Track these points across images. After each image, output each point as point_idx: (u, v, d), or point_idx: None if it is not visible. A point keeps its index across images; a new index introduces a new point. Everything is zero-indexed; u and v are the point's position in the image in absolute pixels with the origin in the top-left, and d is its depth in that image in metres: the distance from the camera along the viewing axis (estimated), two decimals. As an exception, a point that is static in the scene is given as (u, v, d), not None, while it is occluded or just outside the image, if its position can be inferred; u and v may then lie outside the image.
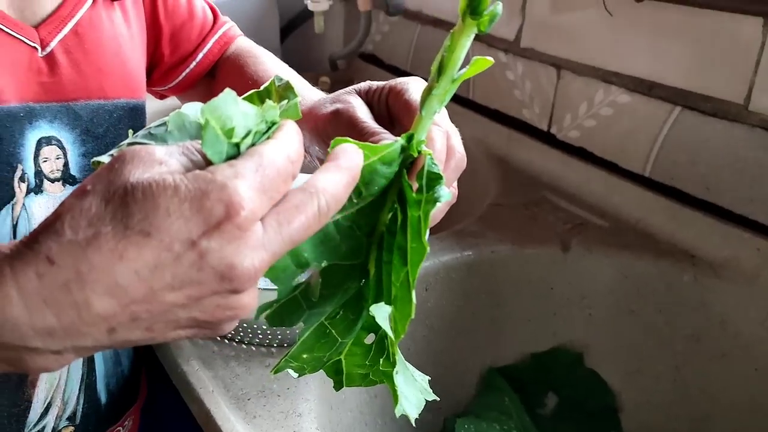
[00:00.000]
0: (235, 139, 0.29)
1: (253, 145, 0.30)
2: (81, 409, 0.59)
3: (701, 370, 0.79)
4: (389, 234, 0.35)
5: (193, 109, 0.33)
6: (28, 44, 0.50)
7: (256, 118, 0.30)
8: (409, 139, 0.35)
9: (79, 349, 0.29)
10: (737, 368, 0.76)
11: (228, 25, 0.71)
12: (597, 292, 0.83)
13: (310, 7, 1.06)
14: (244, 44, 0.71)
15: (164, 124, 0.34)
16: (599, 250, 0.84)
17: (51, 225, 0.27)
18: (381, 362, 0.38)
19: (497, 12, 0.32)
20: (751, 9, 0.72)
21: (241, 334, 0.60)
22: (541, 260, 0.83)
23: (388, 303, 0.34)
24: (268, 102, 0.31)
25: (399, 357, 0.37)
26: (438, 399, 0.38)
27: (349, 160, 0.31)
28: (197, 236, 0.27)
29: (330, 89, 1.28)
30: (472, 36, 0.33)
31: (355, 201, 0.34)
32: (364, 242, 0.35)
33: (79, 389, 0.59)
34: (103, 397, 0.62)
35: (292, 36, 1.42)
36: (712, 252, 0.80)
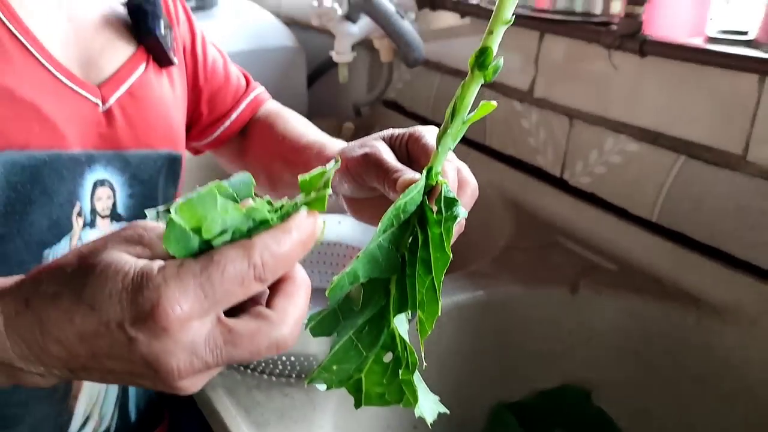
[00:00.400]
0: (206, 236, 0.31)
1: (232, 241, 0.31)
2: (114, 425, 0.65)
3: (706, 411, 0.81)
4: (410, 254, 0.40)
5: (209, 193, 0.36)
6: (91, 100, 0.58)
7: (238, 217, 0.32)
8: (429, 170, 0.41)
9: (56, 376, 0.34)
10: (741, 410, 0.79)
11: (259, 90, 0.79)
12: (604, 332, 0.86)
13: (335, 58, 1.13)
14: (273, 106, 0.79)
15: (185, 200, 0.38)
16: (607, 292, 0.87)
17: (41, 272, 0.33)
18: (400, 372, 0.42)
19: (500, 65, 0.38)
20: (747, 66, 0.77)
21: (263, 365, 0.65)
22: (550, 301, 0.87)
23: (413, 309, 0.40)
24: (258, 201, 0.33)
25: (418, 378, 0.42)
26: (449, 412, 0.42)
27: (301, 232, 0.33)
28: (128, 324, 0.30)
29: (354, 134, 1.35)
30: (479, 85, 0.39)
31: (394, 224, 0.40)
32: (397, 258, 0.40)
33: (114, 406, 0.65)
34: (133, 416, 0.67)
35: (318, 83, 1.50)
36: (716, 296, 0.83)
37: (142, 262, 0.31)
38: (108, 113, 0.60)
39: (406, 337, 0.40)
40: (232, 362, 0.32)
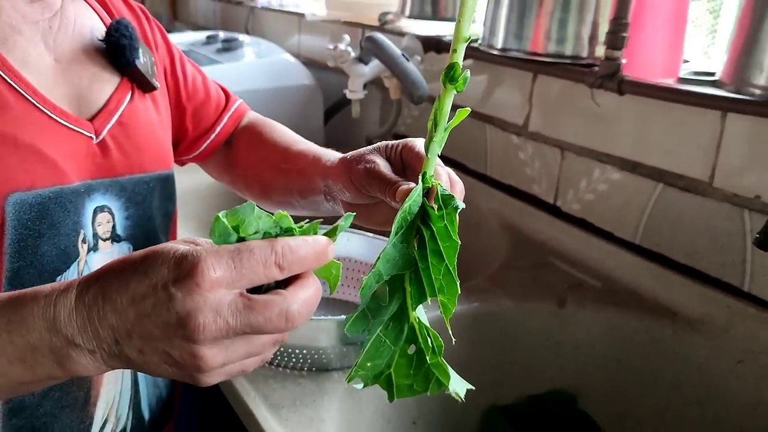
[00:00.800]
0: (242, 234, 0.41)
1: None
2: (130, 425, 0.71)
3: (680, 414, 0.89)
4: (420, 249, 0.47)
5: (238, 215, 0.44)
6: (85, 135, 0.63)
7: (268, 224, 0.42)
8: (423, 175, 0.49)
9: (104, 351, 0.41)
10: (711, 412, 0.86)
11: (238, 102, 0.86)
12: (589, 342, 0.95)
13: (349, 96, 1.24)
14: (254, 116, 0.86)
15: (217, 224, 0.45)
16: (592, 306, 0.96)
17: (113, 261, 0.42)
18: (428, 357, 0.48)
19: (467, 77, 0.46)
20: (711, 104, 0.86)
21: (278, 359, 0.74)
22: (540, 314, 0.96)
23: (432, 296, 0.46)
24: (281, 214, 0.43)
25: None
26: (474, 388, 0.49)
27: (320, 248, 0.43)
28: (171, 284, 0.38)
29: (366, 165, 1.45)
30: (452, 96, 0.47)
31: (404, 224, 0.47)
32: (411, 255, 0.48)
33: (129, 407, 0.70)
34: (146, 415, 0.73)
35: (333, 118, 1.62)
36: (690, 309, 0.91)
37: (189, 246, 0.41)
38: (102, 144, 0.64)
39: (428, 324, 0.47)
40: (248, 328, 0.39)
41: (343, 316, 0.57)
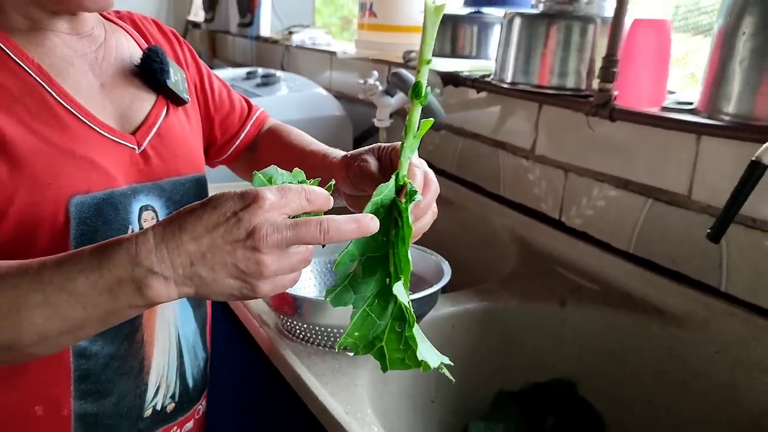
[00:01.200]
0: (273, 184, 0.56)
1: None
2: (178, 391, 0.82)
3: (666, 398, 1.01)
4: (395, 237, 0.58)
5: (269, 172, 0.59)
6: (129, 146, 0.74)
7: (289, 177, 0.58)
8: (396, 174, 0.60)
9: (178, 278, 0.52)
10: (693, 394, 0.99)
11: (260, 111, 0.98)
12: (587, 336, 1.08)
13: (377, 124, 1.41)
14: (274, 122, 0.98)
15: (257, 178, 0.60)
16: (590, 306, 1.09)
17: (171, 215, 0.54)
18: (405, 329, 0.58)
19: (429, 92, 0.58)
20: (687, 128, 1.01)
21: (318, 338, 0.89)
22: (543, 312, 1.09)
23: (400, 274, 0.57)
24: (297, 170, 0.58)
25: (419, 332, 0.59)
26: (453, 364, 0.57)
27: (362, 220, 0.55)
28: (239, 209, 0.51)
29: (391, 187, 1.61)
30: (420, 109, 0.58)
31: (378, 215, 0.58)
32: (382, 240, 0.59)
33: (176, 376, 0.83)
34: (190, 383, 0.86)
35: (362, 144, 1.79)
36: (674, 308, 1.04)
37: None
38: (143, 153, 0.75)
39: (405, 301, 0.56)
40: (296, 239, 0.52)
41: None
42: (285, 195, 0.53)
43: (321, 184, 0.58)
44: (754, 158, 0.76)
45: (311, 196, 0.55)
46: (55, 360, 0.71)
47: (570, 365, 1.08)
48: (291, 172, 0.59)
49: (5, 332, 0.53)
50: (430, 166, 1.72)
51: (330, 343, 0.89)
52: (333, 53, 2.02)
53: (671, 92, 1.22)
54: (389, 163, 0.68)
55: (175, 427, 0.84)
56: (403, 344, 0.59)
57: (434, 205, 0.65)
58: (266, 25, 2.55)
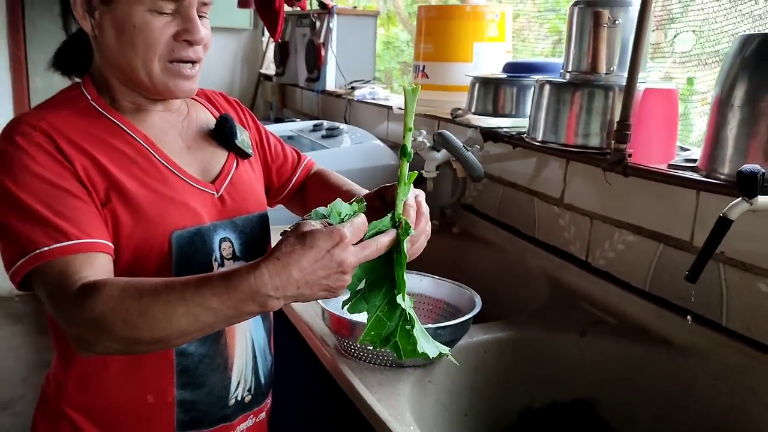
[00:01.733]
0: (342, 217, 0.77)
1: (348, 218, 0.77)
2: (253, 386, 1.04)
3: (673, 418, 1.16)
4: (395, 264, 0.81)
5: (332, 206, 0.80)
6: (210, 193, 0.97)
7: (350, 209, 0.78)
8: (392, 214, 0.82)
9: (286, 297, 0.74)
10: (696, 416, 1.13)
11: (307, 159, 1.21)
12: (604, 364, 1.23)
13: (424, 175, 1.61)
14: (319, 168, 1.22)
15: (312, 213, 0.81)
16: (607, 337, 1.25)
17: (276, 247, 0.75)
18: (407, 327, 0.80)
19: (411, 153, 0.80)
20: (688, 184, 1.17)
21: (370, 356, 1.08)
22: (565, 340, 1.26)
23: (397, 289, 0.80)
24: (355, 205, 0.79)
25: (420, 331, 0.81)
26: (449, 350, 0.82)
27: (389, 236, 0.78)
28: (330, 248, 0.72)
29: (438, 229, 1.80)
30: (408, 164, 0.80)
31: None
32: (384, 263, 0.80)
33: (251, 373, 1.05)
34: (262, 380, 1.07)
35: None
36: (682, 340, 1.19)
37: (322, 227, 0.75)
38: (221, 198, 0.98)
39: (406, 308, 0.80)
40: (364, 258, 0.75)
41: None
42: (354, 230, 0.76)
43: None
44: (721, 215, 0.92)
45: (364, 226, 0.78)
46: (163, 359, 0.94)
47: (588, 388, 1.24)
48: (351, 204, 0.81)
49: (160, 331, 0.76)
50: (474, 210, 1.95)
51: (378, 360, 1.09)
52: (389, 107, 2.25)
53: (686, 149, 1.38)
54: (390, 199, 0.91)
55: (252, 416, 1.06)
56: (411, 340, 0.81)
57: (428, 229, 0.88)
58: (331, 80, 2.81)
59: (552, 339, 1.26)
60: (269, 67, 3.58)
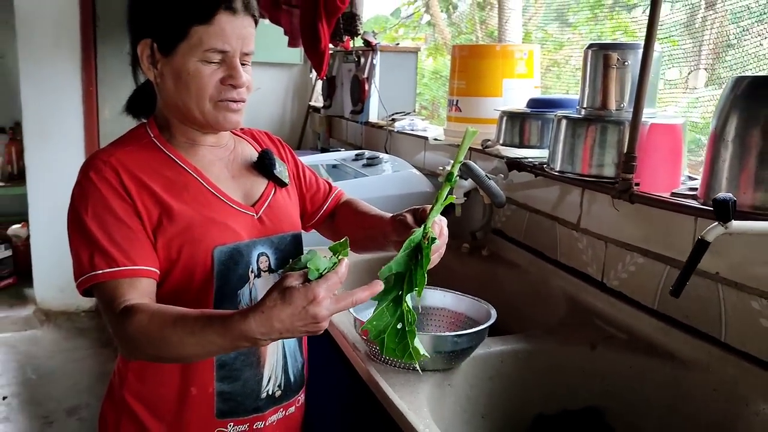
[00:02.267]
0: (320, 271, 0.90)
1: (327, 271, 0.90)
2: (283, 382, 1.21)
3: (675, 425, 1.26)
4: (414, 265, 0.96)
5: (311, 255, 0.94)
6: (250, 214, 1.15)
7: (328, 264, 0.91)
8: (424, 226, 0.99)
9: (272, 339, 0.91)
10: (696, 423, 1.23)
11: (337, 190, 1.39)
12: (612, 374, 1.35)
13: (454, 201, 1.76)
14: (348, 198, 1.39)
15: (299, 259, 0.95)
16: (616, 350, 1.36)
17: (262, 300, 0.91)
18: (407, 325, 0.96)
19: (456, 179, 0.98)
20: (686, 211, 1.29)
21: (395, 361, 1.22)
22: (577, 352, 1.37)
23: (414, 288, 0.95)
24: (333, 258, 0.92)
25: (413, 329, 0.96)
26: (429, 356, 0.98)
27: (370, 290, 0.93)
28: (305, 305, 0.87)
29: (469, 252, 1.94)
30: (449, 188, 0.97)
31: (408, 248, 0.97)
32: (408, 264, 0.97)
33: (281, 371, 1.21)
34: (291, 378, 1.23)
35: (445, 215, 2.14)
36: (683, 354, 1.30)
37: (300, 284, 0.90)
38: (260, 219, 1.16)
39: (410, 305, 0.96)
40: (336, 310, 0.89)
41: (435, 333, 1.10)
42: (328, 284, 0.89)
43: (352, 240, 0.97)
44: (700, 237, 1.04)
45: (342, 276, 0.91)
46: None
47: (598, 397, 1.35)
48: (330, 258, 0.95)
49: (176, 353, 0.96)
50: (503, 235, 2.09)
51: (402, 364, 1.23)
52: (426, 138, 2.41)
53: (693, 178, 1.49)
54: (420, 218, 1.10)
55: (282, 409, 1.22)
56: (398, 339, 0.97)
57: (442, 249, 1.06)
58: (374, 112, 3.00)
59: (564, 351, 1.38)
60: (318, 100, 3.81)
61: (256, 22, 1.12)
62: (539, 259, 1.80)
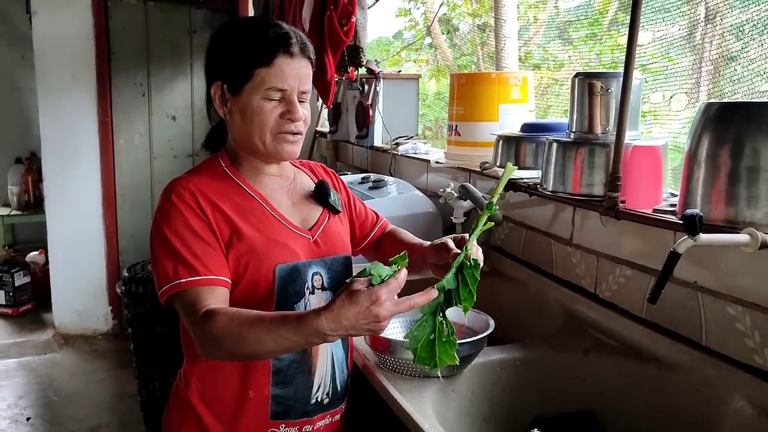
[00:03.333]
0: (382, 277, 1.03)
1: (388, 278, 1.04)
2: (330, 390, 1.33)
3: (663, 425, 1.36)
4: (457, 282, 1.09)
5: (374, 265, 1.08)
6: (307, 237, 1.28)
7: (389, 271, 1.05)
8: (465, 248, 1.11)
9: (340, 335, 1.04)
10: (681, 422, 1.33)
11: (384, 220, 1.53)
12: (604, 379, 1.45)
13: (454, 221, 1.89)
14: (392, 227, 1.52)
15: (365, 269, 1.09)
16: (607, 355, 1.47)
17: (332, 300, 1.05)
18: (446, 336, 1.08)
19: (496, 209, 1.10)
20: (665, 226, 1.40)
21: (404, 369, 1.34)
22: (571, 358, 1.48)
23: (458, 303, 1.08)
24: (394, 267, 1.05)
25: (444, 340, 1.08)
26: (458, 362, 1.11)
27: (427, 296, 1.06)
28: (369, 305, 1.00)
29: (470, 268, 2.05)
30: (487, 215, 1.10)
31: (454, 268, 1.10)
32: (455, 281, 1.09)
33: (330, 380, 1.32)
34: (339, 386, 1.35)
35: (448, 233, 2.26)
36: (668, 358, 1.41)
37: (365, 288, 1.03)
38: (315, 242, 1.29)
39: (451, 318, 1.08)
40: (396, 312, 1.02)
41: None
42: (390, 288, 1.02)
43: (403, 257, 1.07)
44: (672, 249, 1.16)
45: (401, 282, 1.04)
46: (262, 362, 1.25)
47: (591, 400, 1.46)
48: (391, 267, 1.07)
49: (254, 350, 1.08)
50: (502, 251, 2.22)
51: (408, 371, 1.34)
52: (428, 161, 2.54)
53: (676, 195, 1.61)
54: (459, 244, 1.22)
55: (329, 416, 1.34)
56: (429, 349, 1.09)
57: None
58: (378, 137, 3.13)
59: (560, 358, 1.49)
60: (324, 125, 3.95)
61: (312, 64, 1.27)
62: (537, 273, 1.92)
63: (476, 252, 1.15)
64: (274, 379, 1.26)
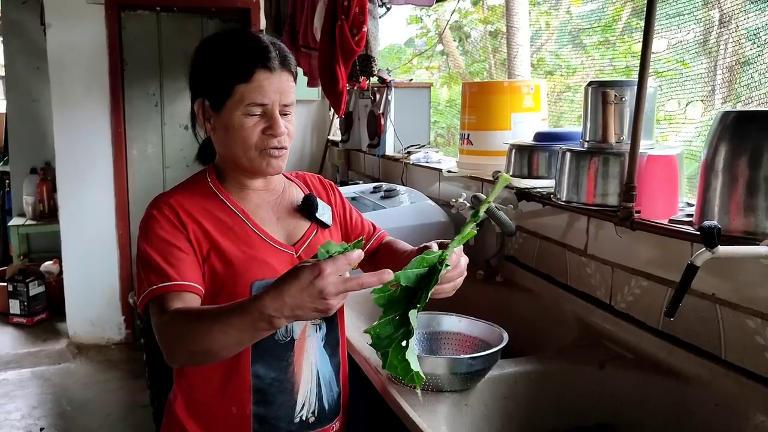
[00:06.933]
0: (331, 254, 0.99)
1: (336, 254, 0.98)
2: (317, 409, 1.30)
3: (678, 439, 1.34)
4: (425, 285, 1.03)
5: (326, 244, 1.04)
6: (290, 253, 1.25)
7: (339, 248, 1.01)
8: (443, 252, 1.06)
9: (286, 317, 0.97)
10: (697, 437, 1.31)
11: (381, 231, 1.48)
12: (621, 392, 1.43)
13: (467, 231, 1.86)
14: (389, 238, 1.49)
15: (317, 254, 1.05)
16: (623, 369, 1.44)
17: (276, 279, 1.00)
18: (407, 346, 1.01)
19: (482, 216, 1.06)
20: (682, 236, 1.38)
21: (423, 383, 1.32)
22: (587, 371, 1.46)
23: (419, 306, 1.02)
24: (344, 243, 1.03)
25: (412, 349, 1.02)
26: (424, 378, 1.03)
27: (378, 276, 0.98)
28: (312, 279, 0.94)
29: (484, 278, 2.04)
30: (474, 223, 1.06)
31: (423, 267, 1.05)
32: (421, 283, 1.04)
33: (315, 399, 1.30)
34: (326, 405, 1.32)
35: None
36: (687, 371, 1.38)
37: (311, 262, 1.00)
38: (299, 257, 1.26)
39: (414, 327, 1.00)
40: (344, 290, 0.95)
41: (451, 356, 1.18)
42: (336, 264, 0.96)
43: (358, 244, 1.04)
44: (689, 262, 1.13)
45: (351, 260, 0.98)
46: (241, 379, 1.23)
47: (607, 414, 1.43)
48: (349, 245, 1.04)
49: (206, 344, 1.04)
50: (516, 261, 2.20)
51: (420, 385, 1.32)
52: (440, 170, 2.52)
53: (692, 204, 1.58)
54: (443, 247, 1.16)
55: None
56: (401, 357, 1.01)
57: (458, 280, 1.14)
58: (390, 146, 3.12)
59: (575, 371, 1.47)
60: (336, 134, 3.95)
61: (294, 76, 1.25)
62: (551, 284, 1.89)
63: (457, 259, 1.12)
64: (255, 398, 1.24)
